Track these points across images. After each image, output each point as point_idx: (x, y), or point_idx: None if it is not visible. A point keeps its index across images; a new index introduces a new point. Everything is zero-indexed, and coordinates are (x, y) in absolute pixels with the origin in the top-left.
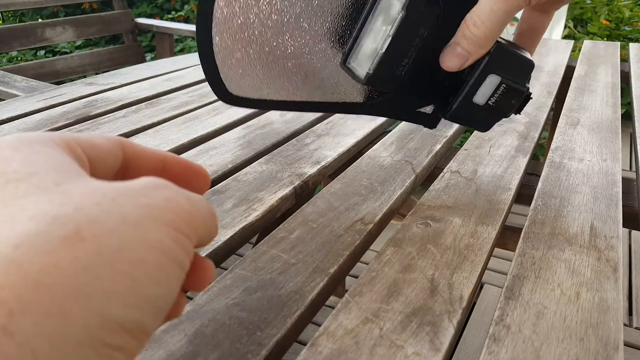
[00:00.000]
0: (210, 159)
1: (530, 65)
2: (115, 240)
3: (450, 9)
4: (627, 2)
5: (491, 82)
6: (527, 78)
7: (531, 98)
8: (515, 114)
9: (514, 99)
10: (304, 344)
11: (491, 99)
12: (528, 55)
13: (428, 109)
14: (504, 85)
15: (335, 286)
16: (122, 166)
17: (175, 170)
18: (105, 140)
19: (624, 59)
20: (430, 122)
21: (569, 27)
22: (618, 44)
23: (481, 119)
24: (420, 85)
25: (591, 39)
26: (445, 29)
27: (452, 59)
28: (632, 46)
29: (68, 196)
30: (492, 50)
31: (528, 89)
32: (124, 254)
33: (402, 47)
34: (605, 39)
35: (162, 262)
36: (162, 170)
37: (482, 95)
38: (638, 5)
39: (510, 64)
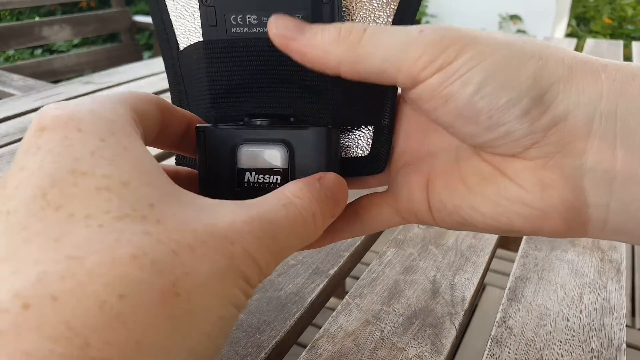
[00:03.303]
0: None
1: None
2: (204, 298)
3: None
4: (629, 0)
5: (273, 154)
6: None
7: None
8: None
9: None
10: (304, 346)
11: (252, 173)
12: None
13: None
14: (277, 176)
15: (336, 287)
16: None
17: None
18: (153, 107)
19: (627, 58)
20: None
21: (571, 26)
22: (621, 42)
23: (218, 187)
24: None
25: (594, 37)
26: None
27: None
28: (636, 45)
29: (163, 230)
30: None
31: None
32: (209, 313)
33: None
34: (608, 37)
35: (235, 317)
36: (187, 131)
37: (246, 159)
38: None
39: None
